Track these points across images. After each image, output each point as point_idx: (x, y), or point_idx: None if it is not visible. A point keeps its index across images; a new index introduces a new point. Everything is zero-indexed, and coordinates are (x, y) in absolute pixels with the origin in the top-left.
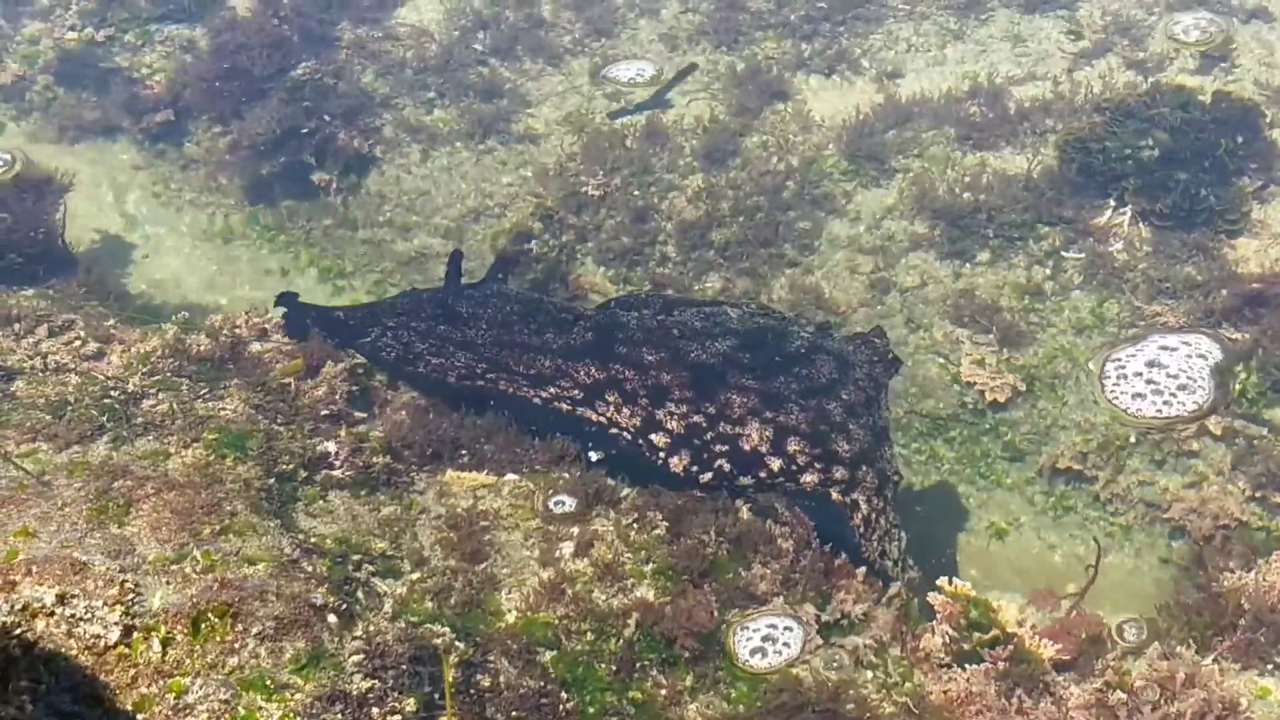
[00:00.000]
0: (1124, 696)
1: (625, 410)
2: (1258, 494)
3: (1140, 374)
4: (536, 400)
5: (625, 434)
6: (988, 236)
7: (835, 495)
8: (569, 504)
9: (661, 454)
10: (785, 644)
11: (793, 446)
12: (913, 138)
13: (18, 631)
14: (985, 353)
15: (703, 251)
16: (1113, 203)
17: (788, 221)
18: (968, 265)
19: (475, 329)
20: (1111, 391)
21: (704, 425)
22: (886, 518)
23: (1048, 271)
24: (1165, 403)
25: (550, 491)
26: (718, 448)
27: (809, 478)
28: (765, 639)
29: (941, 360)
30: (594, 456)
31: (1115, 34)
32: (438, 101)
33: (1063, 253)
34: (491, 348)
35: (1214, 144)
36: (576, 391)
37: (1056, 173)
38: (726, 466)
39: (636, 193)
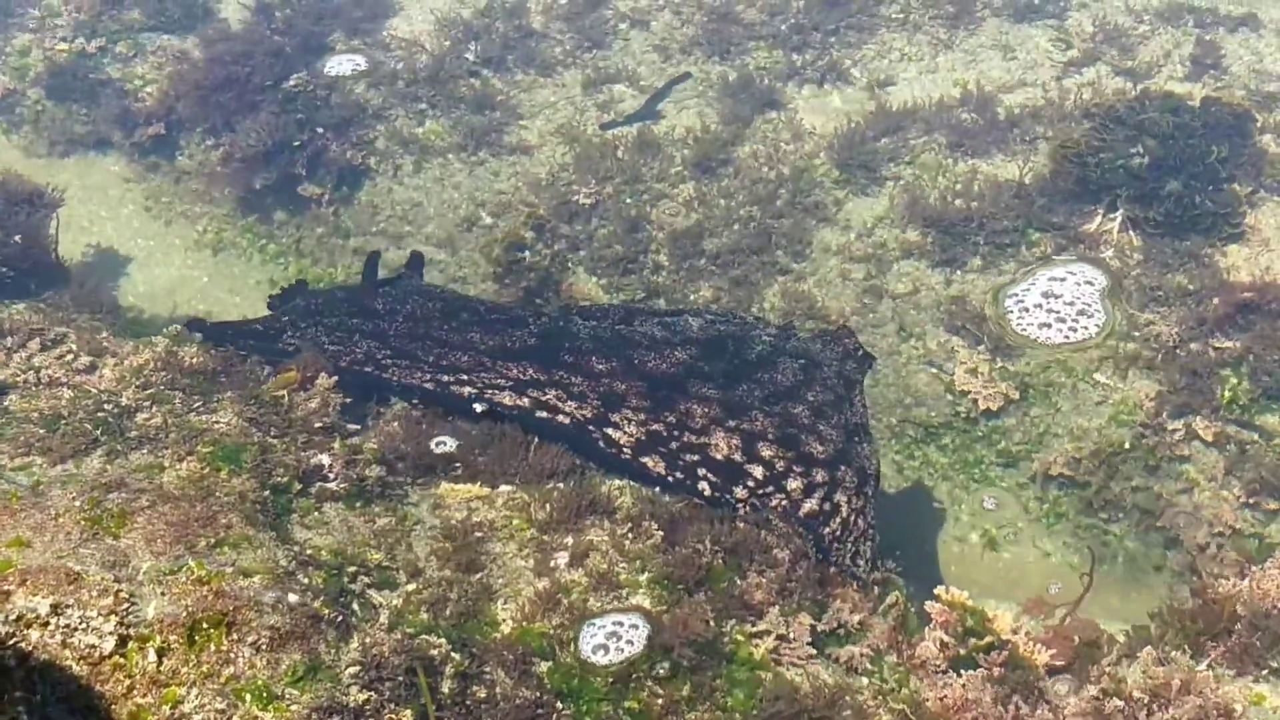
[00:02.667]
0: (1120, 704)
1: (572, 404)
2: (1251, 500)
3: (1040, 305)
4: (428, 384)
5: (562, 417)
6: (979, 244)
7: (808, 506)
8: (449, 444)
9: (627, 451)
10: (629, 641)
11: (767, 452)
12: (904, 146)
13: (12, 642)
14: (978, 360)
15: (695, 260)
16: (1102, 210)
17: (780, 230)
18: (959, 272)
19: (391, 323)
20: (1019, 324)
21: (665, 435)
22: (864, 518)
23: None
24: (1071, 329)
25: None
26: (688, 458)
27: (794, 484)
28: (610, 635)
29: (935, 369)
30: (478, 408)
31: (1103, 43)
32: (429, 113)
33: (1054, 260)
34: (404, 339)
35: (1205, 150)
36: (503, 382)
37: (1048, 180)
38: (711, 477)
39: (629, 201)
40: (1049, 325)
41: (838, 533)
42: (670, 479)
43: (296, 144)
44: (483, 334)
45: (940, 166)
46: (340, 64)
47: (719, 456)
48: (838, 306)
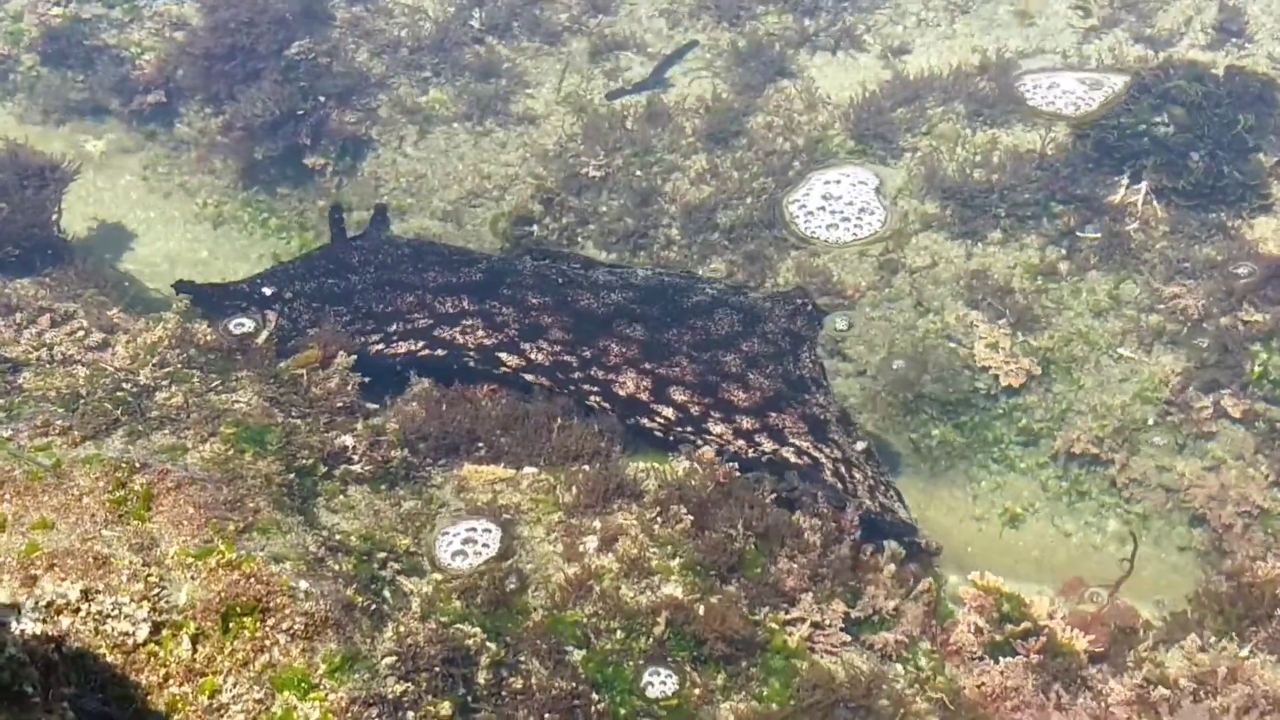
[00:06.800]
0: (1166, 692)
1: (480, 332)
2: None
3: (822, 207)
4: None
5: (440, 350)
6: (1000, 216)
7: (792, 458)
8: (248, 325)
9: (506, 369)
10: (485, 545)
11: (680, 396)
12: (921, 115)
13: (43, 629)
14: (999, 335)
15: (708, 234)
16: (1126, 180)
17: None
18: (979, 245)
19: (363, 275)
20: (806, 227)
21: (574, 365)
22: (864, 470)
23: (1062, 252)
24: (856, 225)
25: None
26: (585, 388)
27: (717, 429)
28: (466, 541)
29: (953, 344)
30: (267, 291)
31: (1122, 9)
32: (433, 81)
33: (1078, 232)
34: (371, 291)
35: (1232, 120)
36: (425, 321)
37: (1070, 150)
38: (605, 404)
39: (639, 173)
40: (835, 225)
41: (838, 485)
42: (557, 390)
43: (301, 112)
44: (438, 273)
45: (959, 136)
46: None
47: (622, 393)
48: (853, 281)
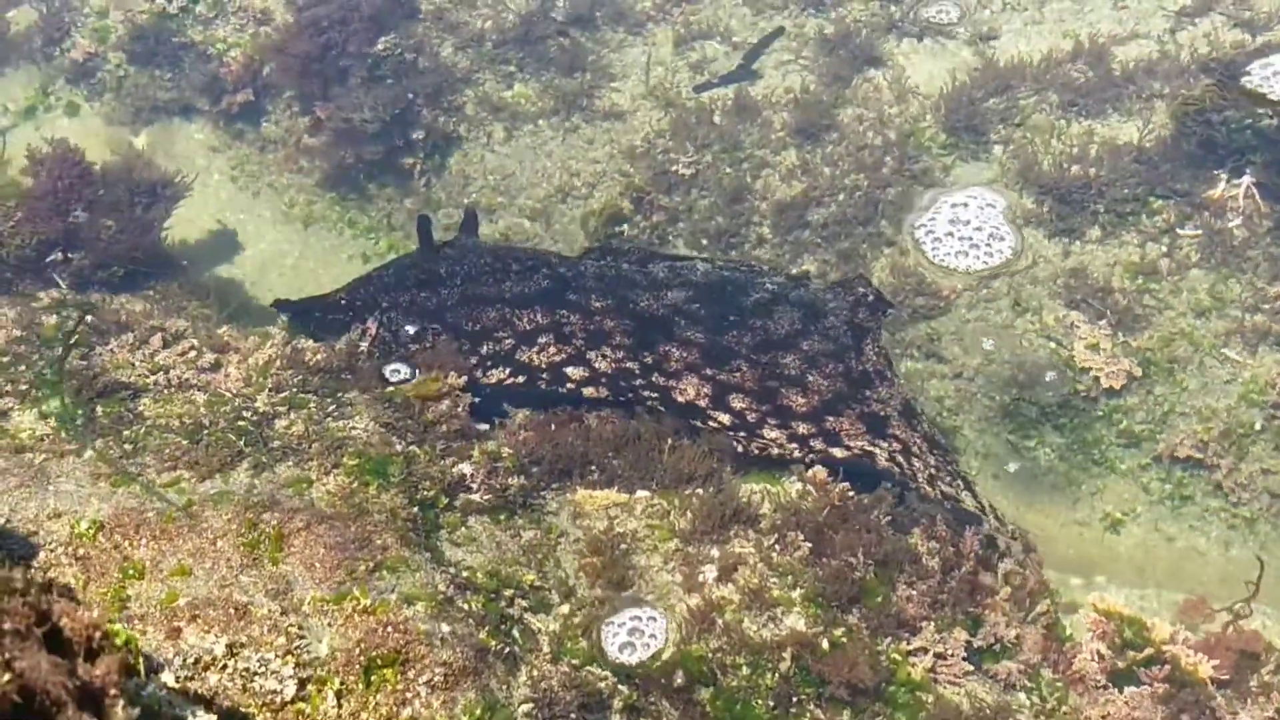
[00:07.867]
0: None
1: (551, 349)
2: None
3: (950, 233)
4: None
5: (519, 379)
6: (1098, 212)
7: (842, 453)
8: (404, 371)
9: (572, 384)
10: (652, 635)
11: (738, 403)
12: (1013, 106)
13: (191, 688)
14: (1099, 335)
15: (799, 232)
16: (1225, 175)
17: (887, 199)
18: (1078, 243)
19: (450, 287)
20: (935, 254)
21: (636, 372)
22: (925, 460)
23: (1163, 249)
24: (987, 253)
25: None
26: (645, 394)
27: (772, 434)
28: (632, 632)
29: (1053, 345)
30: (410, 330)
31: None
32: (518, 75)
33: (1178, 229)
34: (459, 307)
35: None
36: (510, 341)
37: (1170, 143)
38: (660, 407)
39: (728, 170)
40: (965, 253)
41: (897, 471)
42: (611, 399)
43: (396, 112)
44: (514, 282)
45: (1053, 129)
46: None
47: (682, 400)
48: (949, 282)
